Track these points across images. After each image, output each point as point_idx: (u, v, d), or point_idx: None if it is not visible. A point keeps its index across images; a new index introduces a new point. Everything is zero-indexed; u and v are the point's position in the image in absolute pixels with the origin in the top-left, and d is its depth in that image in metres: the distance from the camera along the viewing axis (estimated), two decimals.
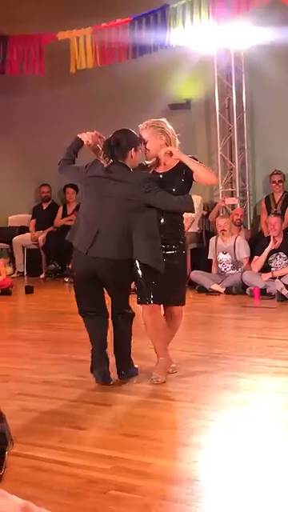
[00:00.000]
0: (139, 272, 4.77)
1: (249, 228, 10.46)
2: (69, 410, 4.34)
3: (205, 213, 10.61)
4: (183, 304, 5.04)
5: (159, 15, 9.69)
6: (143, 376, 5.01)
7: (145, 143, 4.86)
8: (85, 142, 5.00)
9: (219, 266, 9.36)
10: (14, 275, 11.30)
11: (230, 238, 9.34)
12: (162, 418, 4.10)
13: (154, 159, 4.91)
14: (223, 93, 10.36)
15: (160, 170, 4.91)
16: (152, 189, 4.74)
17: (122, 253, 4.73)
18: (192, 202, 4.93)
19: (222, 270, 9.33)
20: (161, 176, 4.86)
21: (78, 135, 5.05)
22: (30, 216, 12.11)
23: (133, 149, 4.83)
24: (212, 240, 9.53)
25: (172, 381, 4.86)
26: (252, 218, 10.73)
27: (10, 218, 12.29)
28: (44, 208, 12.02)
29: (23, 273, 11.65)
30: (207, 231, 10.44)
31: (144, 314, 4.87)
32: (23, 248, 11.69)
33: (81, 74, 10.50)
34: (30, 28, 10.83)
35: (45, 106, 11.19)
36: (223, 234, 9.34)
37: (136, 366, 5.09)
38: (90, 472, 3.30)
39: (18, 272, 11.64)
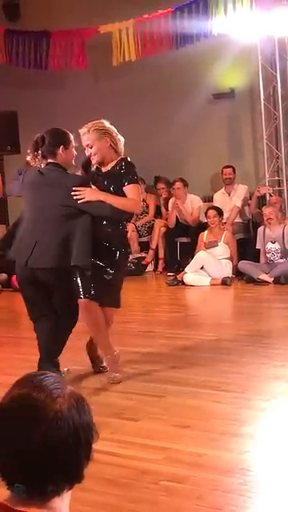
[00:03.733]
0: (75, 270, 4.71)
1: None
2: (120, 402, 4.35)
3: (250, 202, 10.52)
4: (114, 306, 4.91)
5: (201, 4, 9.61)
6: (191, 366, 5.00)
7: (90, 147, 4.82)
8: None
9: (267, 255, 9.27)
10: None
11: (277, 227, 9.23)
12: (213, 408, 4.08)
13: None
14: (268, 81, 10.24)
15: (103, 168, 4.88)
16: None
17: (62, 261, 4.64)
18: (122, 210, 4.75)
19: (271, 259, 9.24)
20: (103, 174, 4.83)
21: None
22: None
23: (61, 146, 4.79)
24: (260, 229, 9.44)
25: (222, 371, 4.84)
26: None
27: None
28: None
29: None
30: (254, 221, 10.35)
31: (79, 311, 4.81)
32: None
33: (123, 67, 10.50)
34: (72, 22, 10.87)
35: (88, 100, 11.19)
36: (269, 222, 9.24)
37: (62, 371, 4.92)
38: (141, 463, 3.31)
39: None
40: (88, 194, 4.67)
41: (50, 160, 4.82)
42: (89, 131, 4.80)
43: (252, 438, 3.60)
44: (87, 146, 4.84)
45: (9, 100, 11.30)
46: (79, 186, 4.71)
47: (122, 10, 10.39)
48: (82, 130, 4.84)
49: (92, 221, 4.69)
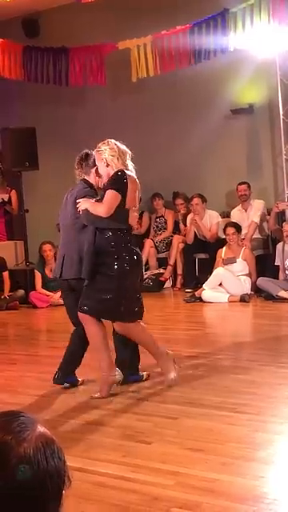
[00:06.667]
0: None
1: None
2: (133, 423, 4.28)
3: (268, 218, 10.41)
4: (118, 320, 4.94)
5: (219, 20, 9.58)
6: (207, 387, 4.92)
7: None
8: None
9: (287, 272, 9.16)
10: None
11: None
12: (228, 431, 4.00)
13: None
14: (287, 96, 10.17)
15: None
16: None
17: (81, 272, 4.99)
18: (94, 217, 4.83)
19: None
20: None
21: None
22: None
23: (95, 169, 5.09)
24: (279, 246, 9.34)
25: (237, 392, 4.75)
26: None
27: None
28: None
29: None
30: (273, 237, 10.24)
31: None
32: None
33: (142, 83, 10.49)
34: (91, 39, 10.89)
35: (106, 116, 11.20)
36: None
37: (79, 379, 5.22)
38: (153, 488, 3.24)
39: None
40: (81, 204, 4.91)
41: (84, 177, 5.19)
42: (95, 153, 5.00)
43: (267, 463, 3.51)
44: None
45: (27, 116, 11.36)
46: (82, 198, 4.96)
47: (141, 26, 10.39)
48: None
49: (95, 231, 4.91)
